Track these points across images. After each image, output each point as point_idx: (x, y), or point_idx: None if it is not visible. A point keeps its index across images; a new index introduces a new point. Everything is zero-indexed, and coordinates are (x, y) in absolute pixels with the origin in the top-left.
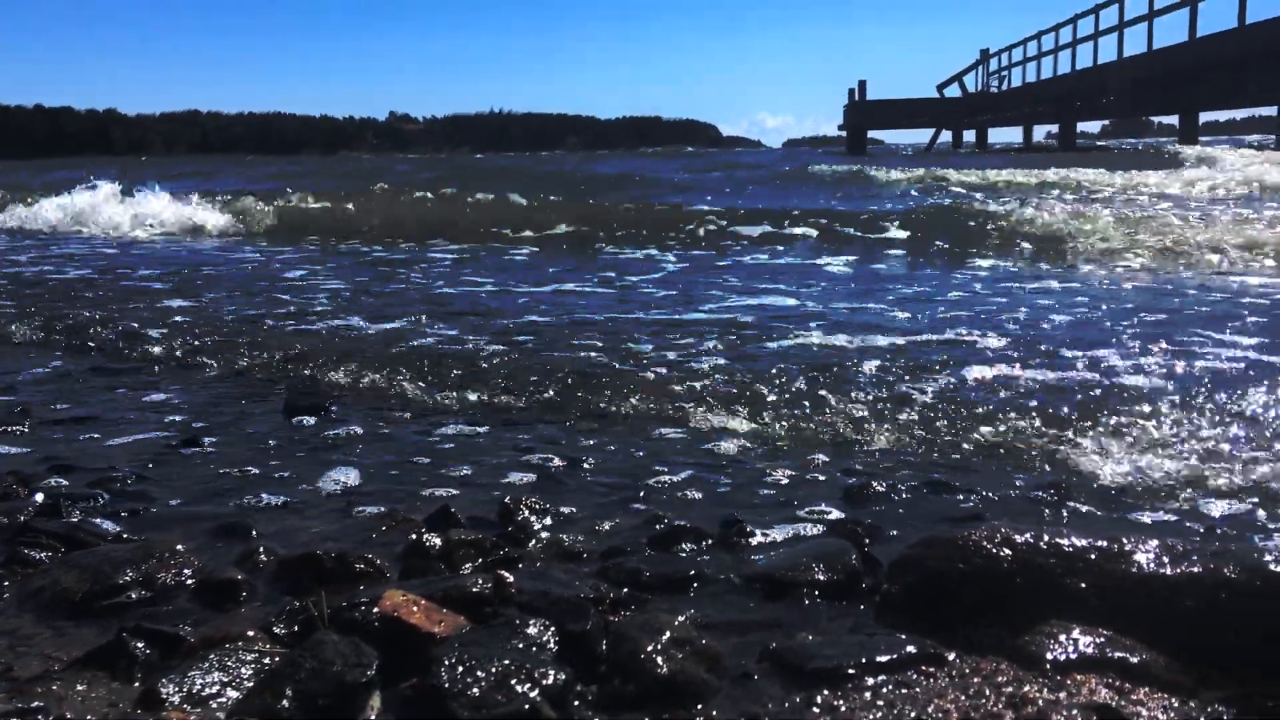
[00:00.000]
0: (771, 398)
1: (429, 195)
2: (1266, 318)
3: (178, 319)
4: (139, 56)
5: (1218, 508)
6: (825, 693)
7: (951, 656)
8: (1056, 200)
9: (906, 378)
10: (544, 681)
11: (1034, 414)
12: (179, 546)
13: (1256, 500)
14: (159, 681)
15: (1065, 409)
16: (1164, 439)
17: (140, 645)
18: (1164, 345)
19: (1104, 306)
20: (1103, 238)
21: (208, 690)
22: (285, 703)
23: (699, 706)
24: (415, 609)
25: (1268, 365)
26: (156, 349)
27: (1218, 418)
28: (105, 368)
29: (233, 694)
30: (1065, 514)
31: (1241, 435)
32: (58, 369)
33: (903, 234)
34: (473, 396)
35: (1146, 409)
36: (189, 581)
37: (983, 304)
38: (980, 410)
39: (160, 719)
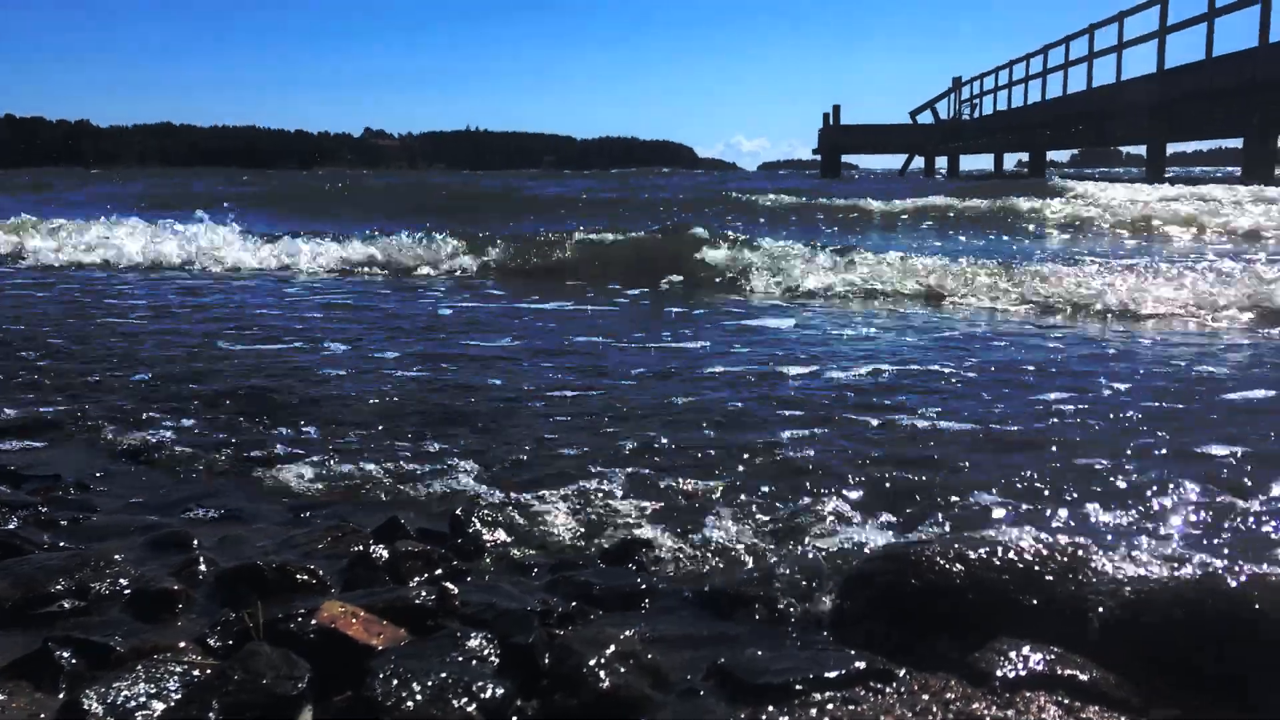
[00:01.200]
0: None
1: None
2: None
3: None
4: (114, 68)
5: (1172, 525)
6: (771, 709)
7: (901, 673)
8: None
9: None
10: (482, 695)
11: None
12: (116, 556)
13: (1209, 517)
14: (83, 693)
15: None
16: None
17: (67, 655)
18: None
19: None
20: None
21: (133, 702)
22: (211, 715)
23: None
24: (354, 621)
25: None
26: None
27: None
28: None
29: (158, 706)
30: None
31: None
32: None
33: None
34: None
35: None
36: (124, 591)
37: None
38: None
39: None
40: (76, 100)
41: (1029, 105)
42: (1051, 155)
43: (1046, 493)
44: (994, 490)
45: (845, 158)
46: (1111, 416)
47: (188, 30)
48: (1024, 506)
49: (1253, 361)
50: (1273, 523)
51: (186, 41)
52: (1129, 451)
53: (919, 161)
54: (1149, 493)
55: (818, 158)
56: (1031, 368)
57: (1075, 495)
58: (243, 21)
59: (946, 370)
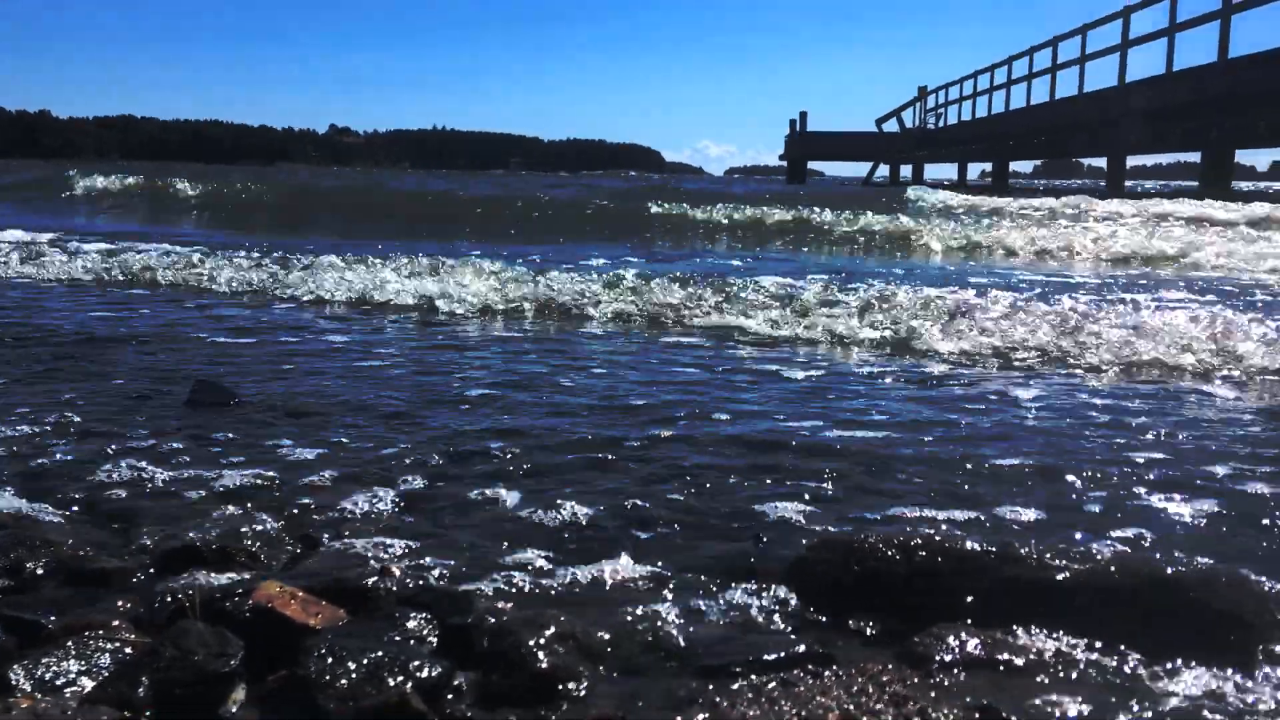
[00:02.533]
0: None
1: None
2: None
3: None
4: (76, 59)
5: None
6: (710, 689)
7: (838, 656)
8: None
9: None
10: (418, 674)
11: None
12: (52, 535)
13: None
14: (10, 668)
15: None
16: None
17: None
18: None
19: None
20: None
21: (62, 678)
22: (141, 691)
23: (578, 701)
24: (292, 601)
25: None
26: None
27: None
28: None
29: (87, 682)
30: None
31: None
32: None
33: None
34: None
35: None
36: (60, 570)
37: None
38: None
39: (6, 705)
40: (37, 91)
41: (993, 116)
42: (1015, 166)
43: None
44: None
45: (811, 164)
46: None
47: (153, 23)
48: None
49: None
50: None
51: (151, 34)
52: None
53: (884, 170)
54: None
55: (784, 164)
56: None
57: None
58: (209, 17)
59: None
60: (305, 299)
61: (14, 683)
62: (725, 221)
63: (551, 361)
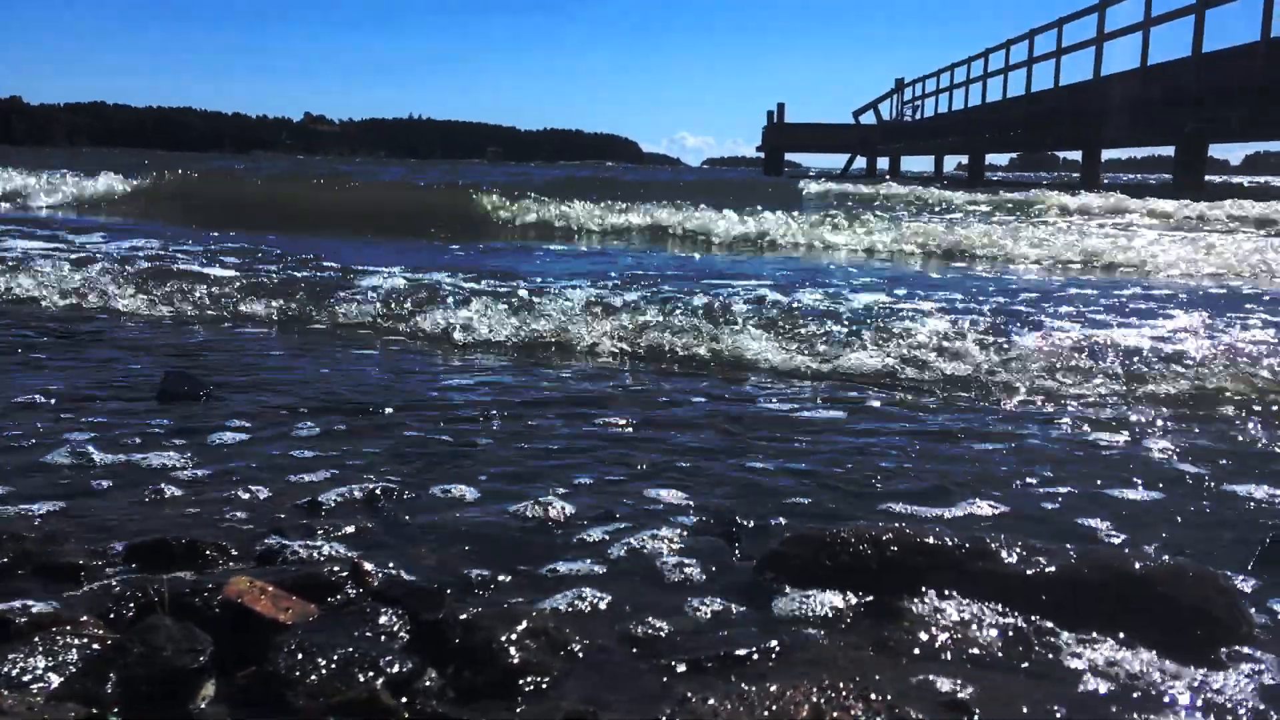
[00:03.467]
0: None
1: None
2: None
3: None
4: (48, 45)
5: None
6: (681, 684)
7: (810, 650)
8: None
9: None
10: (389, 670)
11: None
12: (16, 528)
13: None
14: None
15: None
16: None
17: None
18: None
19: None
20: None
21: (28, 674)
22: (109, 688)
23: (549, 696)
24: (262, 596)
25: None
26: None
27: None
28: None
29: (55, 679)
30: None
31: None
32: None
33: None
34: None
35: None
36: (27, 565)
37: None
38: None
39: None
40: (9, 77)
41: (970, 108)
42: (991, 158)
43: None
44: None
45: (789, 156)
46: None
47: (127, 8)
48: None
49: None
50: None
51: (125, 20)
52: None
53: (861, 161)
54: None
55: (761, 155)
56: None
57: None
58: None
59: None
60: None
61: None
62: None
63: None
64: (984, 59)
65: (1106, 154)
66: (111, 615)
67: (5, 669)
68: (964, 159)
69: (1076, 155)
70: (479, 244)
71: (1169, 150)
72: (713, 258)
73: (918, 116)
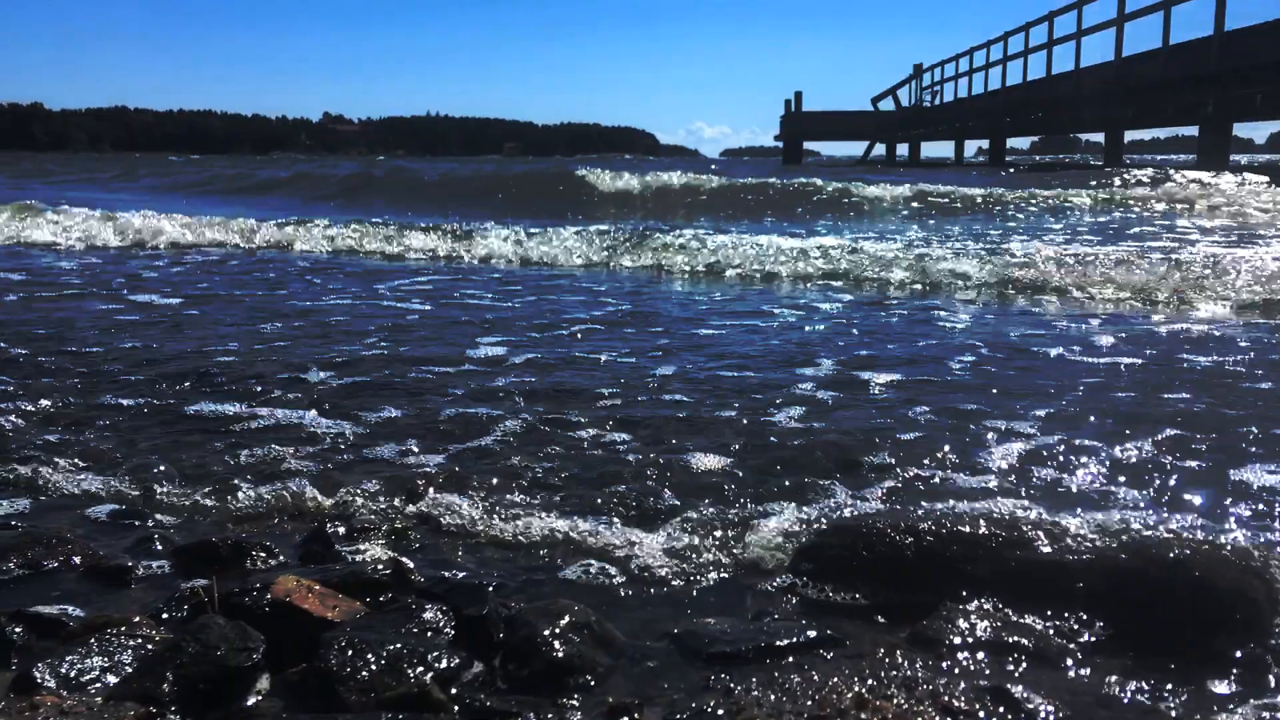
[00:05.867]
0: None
1: None
2: None
3: None
4: (68, 50)
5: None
6: (723, 675)
7: (849, 641)
8: None
9: None
10: (437, 665)
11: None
12: (68, 534)
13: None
14: (34, 666)
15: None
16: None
17: (19, 630)
18: None
19: None
20: None
21: (86, 675)
22: (165, 686)
23: (593, 690)
24: (310, 594)
25: None
26: None
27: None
28: None
29: (111, 678)
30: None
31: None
32: None
33: None
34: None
35: None
36: (78, 567)
37: None
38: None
39: (33, 703)
40: (30, 83)
41: (989, 92)
42: (1012, 142)
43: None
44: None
45: (807, 144)
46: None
47: (145, 13)
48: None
49: None
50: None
51: (144, 24)
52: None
53: (880, 148)
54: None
55: (779, 144)
56: None
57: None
58: (200, 5)
59: None
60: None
61: (39, 680)
62: None
63: None
64: (1003, 42)
65: (1129, 135)
66: (164, 615)
67: (63, 670)
68: (984, 143)
69: (1099, 137)
70: None
71: (1192, 130)
72: None
73: (937, 102)
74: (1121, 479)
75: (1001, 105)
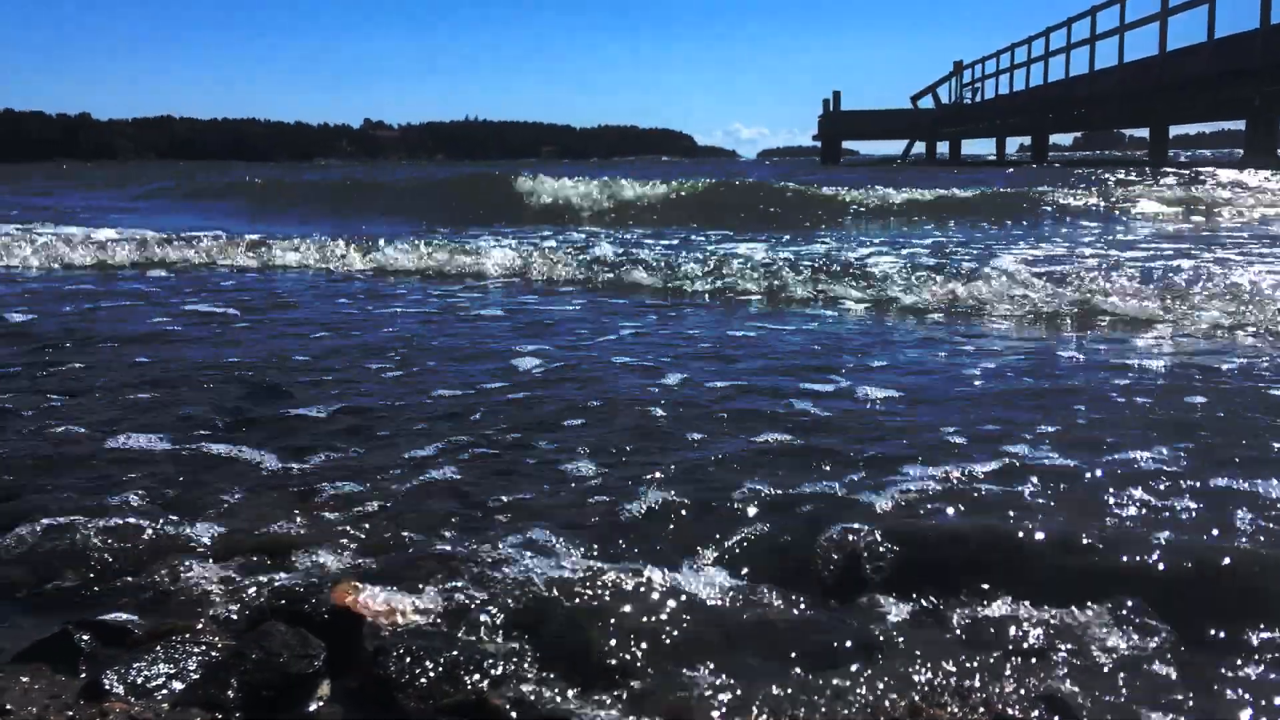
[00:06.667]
0: None
1: None
2: None
3: None
4: (113, 61)
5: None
6: (773, 682)
7: (902, 645)
8: None
9: None
10: (493, 671)
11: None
12: (127, 541)
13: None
14: (102, 673)
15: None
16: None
17: (85, 638)
18: None
19: None
20: None
21: (152, 682)
22: (230, 693)
23: (647, 695)
24: (369, 600)
25: None
26: None
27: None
28: None
29: (177, 685)
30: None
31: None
32: None
33: None
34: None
35: None
36: (139, 574)
37: None
38: None
39: (102, 710)
40: (78, 94)
41: (1031, 88)
42: (1054, 139)
43: None
44: None
45: (846, 144)
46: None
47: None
48: None
49: None
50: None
51: (187, 34)
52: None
53: (920, 147)
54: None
55: (818, 144)
56: None
57: None
58: (242, 14)
59: None
60: None
61: (107, 688)
62: None
63: None
64: (1045, 38)
65: (1173, 130)
66: (225, 621)
67: (130, 677)
68: (1026, 140)
69: (1143, 133)
70: None
71: (1237, 124)
72: None
73: (978, 99)
74: (1171, 485)
75: (1043, 102)
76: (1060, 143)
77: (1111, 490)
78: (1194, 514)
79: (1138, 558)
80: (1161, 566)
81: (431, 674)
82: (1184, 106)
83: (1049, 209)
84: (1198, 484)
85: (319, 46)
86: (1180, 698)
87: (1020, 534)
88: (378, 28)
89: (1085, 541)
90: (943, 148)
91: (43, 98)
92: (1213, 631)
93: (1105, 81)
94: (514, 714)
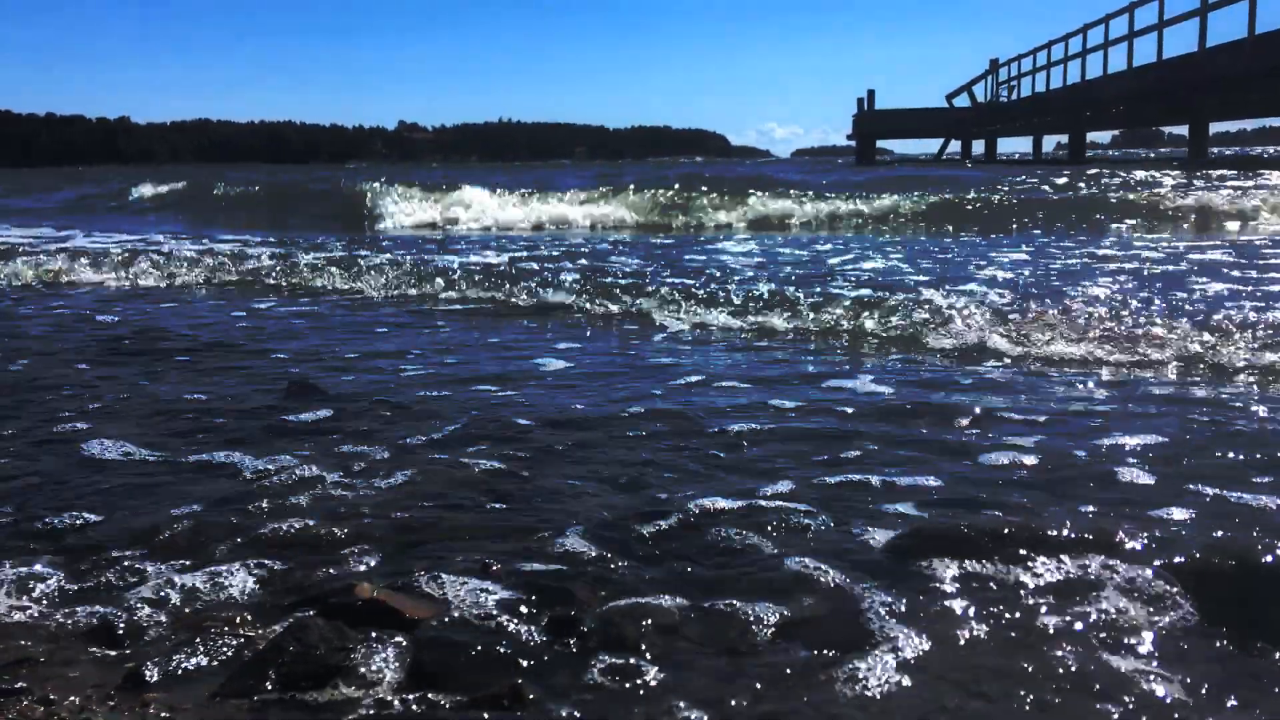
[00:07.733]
0: None
1: None
2: None
3: None
4: (152, 66)
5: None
6: (809, 677)
7: (941, 647)
8: None
9: None
10: (523, 664)
11: None
12: (166, 533)
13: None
14: (144, 663)
15: None
16: None
17: (122, 629)
18: None
19: None
20: None
21: (192, 671)
22: (268, 685)
23: (678, 689)
24: (403, 595)
25: None
26: None
27: None
28: None
29: (217, 677)
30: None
31: None
32: None
33: None
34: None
35: None
36: (179, 565)
37: None
38: None
39: (144, 700)
40: (116, 99)
41: (1068, 86)
42: (1092, 136)
43: None
44: None
45: (880, 143)
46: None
47: (224, 28)
48: None
49: None
50: None
51: (223, 39)
52: None
53: (955, 145)
54: None
55: (852, 144)
56: None
57: None
58: (275, 19)
59: None
60: None
61: (147, 678)
62: None
63: None
64: (1082, 35)
65: (1213, 127)
66: (262, 612)
67: (171, 667)
68: (1063, 138)
69: (1182, 130)
70: None
71: (1278, 121)
72: None
73: (1014, 97)
74: (1215, 481)
75: (1081, 99)
76: (1098, 140)
77: (1155, 489)
78: (1244, 511)
79: (1180, 557)
80: (1202, 569)
81: (465, 666)
82: (1225, 103)
83: None
84: (1245, 485)
85: (354, 49)
86: (1225, 693)
87: (1055, 530)
88: (412, 31)
89: (1119, 540)
90: (978, 146)
91: (83, 102)
92: (1256, 628)
93: (1144, 78)
94: (548, 704)
